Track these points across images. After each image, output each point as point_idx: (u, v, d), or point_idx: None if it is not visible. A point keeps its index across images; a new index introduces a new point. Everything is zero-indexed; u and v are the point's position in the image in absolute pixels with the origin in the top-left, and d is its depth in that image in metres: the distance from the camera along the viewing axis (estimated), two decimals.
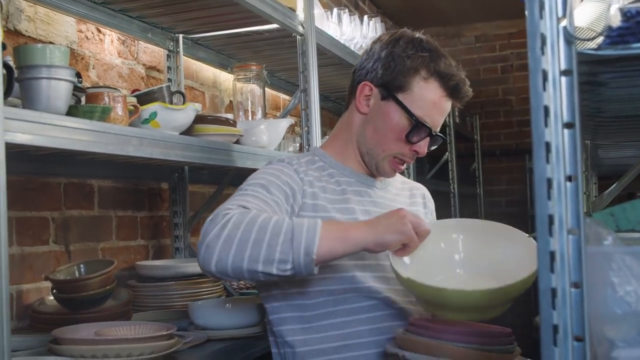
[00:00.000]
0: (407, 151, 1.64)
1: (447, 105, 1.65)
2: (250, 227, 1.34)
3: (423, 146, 1.64)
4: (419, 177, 4.15)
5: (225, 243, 1.34)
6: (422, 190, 1.86)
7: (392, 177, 1.74)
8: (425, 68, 1.61)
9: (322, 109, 2.49)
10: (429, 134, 1.63)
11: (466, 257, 1.54)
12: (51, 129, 1.33)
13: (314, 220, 1.37)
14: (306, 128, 2.46)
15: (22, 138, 1.25)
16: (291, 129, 2.68)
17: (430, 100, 1.61)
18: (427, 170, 5.00)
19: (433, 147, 1.71)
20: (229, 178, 2.58)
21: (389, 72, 1.63)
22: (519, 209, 5.99)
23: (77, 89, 1.54)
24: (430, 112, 1.62)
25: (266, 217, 1.37)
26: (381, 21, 3.19)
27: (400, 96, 1.61)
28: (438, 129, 1.66)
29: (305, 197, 1.58)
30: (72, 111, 1.45)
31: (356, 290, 1.57)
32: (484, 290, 1.34)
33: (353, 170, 1.70)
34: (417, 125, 1.60)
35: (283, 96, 3.43)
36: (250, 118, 2.45)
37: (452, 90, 1.62)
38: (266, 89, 2.61)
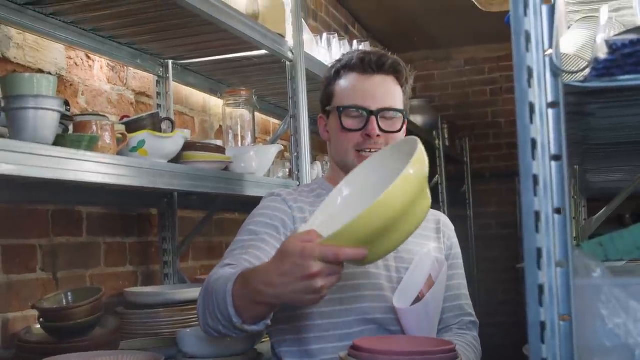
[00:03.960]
0: (361, 139, 1.67)
1: (373, 81, 1.69)
2: (209, 297, 1.41)
3: (370, 128, 1.66)
4: None
5: (200, 311, 1.46)
6: (437, 216, 1.85)
7: None
8: (335, 71, 1.74)
9: (312, 133, 2.48)
10: (370, 114, 1.66)
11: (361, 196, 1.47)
12: (37, 159, 1.31)
13: (225, 288, 1.35)
14: (296, 154, 2.46)
15: (7, 168, 1.24)
16: (281, 155, 2.67)
17: (350, 88, 1.70)
18: None
19: (402, 127, 1.69)
20: (218, 203, 2.57)
21: (322, 96, 1.78)
22: (509, 231, 6.00)
23: (64, 117, 1.53)
24: (355, 95, 1.68)
25: (218, 287, 1.39)
26: (371, 45, 3.20)
27: (332, 103, 1.73)
28: (383, 105, 1.67)
29: (296, 223, 1.64)
30: (59, 140, 1.44)
31: (363, 321, 1.61)
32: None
33: None
34: (342, 112, 1.68)
35: (273, 120, 3.43)
36: (240, 143, 2.44)
37: (361, 66, 1.69)
38: (256, 113, 2.60)
